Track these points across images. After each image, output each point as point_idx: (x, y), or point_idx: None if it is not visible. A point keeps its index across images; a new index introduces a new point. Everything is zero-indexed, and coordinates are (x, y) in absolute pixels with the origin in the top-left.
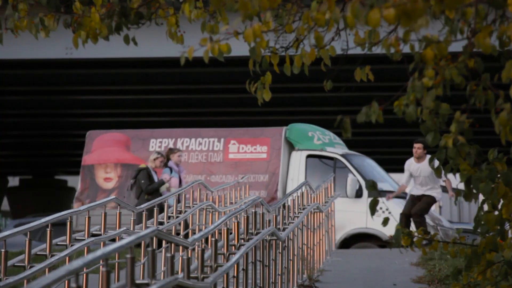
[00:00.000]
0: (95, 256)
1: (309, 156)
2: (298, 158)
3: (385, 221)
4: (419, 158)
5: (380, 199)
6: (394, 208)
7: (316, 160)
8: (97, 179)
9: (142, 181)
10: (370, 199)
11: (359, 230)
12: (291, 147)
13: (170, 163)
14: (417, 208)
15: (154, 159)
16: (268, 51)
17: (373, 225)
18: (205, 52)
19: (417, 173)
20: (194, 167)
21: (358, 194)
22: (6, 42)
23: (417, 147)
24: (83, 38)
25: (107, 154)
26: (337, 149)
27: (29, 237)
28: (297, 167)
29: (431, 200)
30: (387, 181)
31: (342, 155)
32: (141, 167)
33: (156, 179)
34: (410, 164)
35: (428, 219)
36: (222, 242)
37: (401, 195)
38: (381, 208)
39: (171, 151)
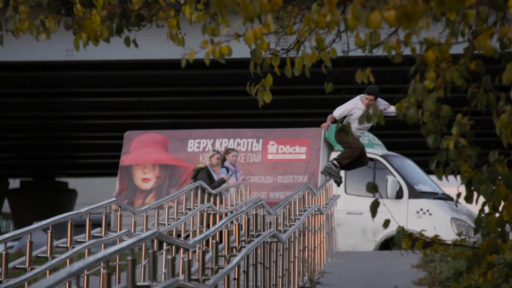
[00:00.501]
0: (96, 258)
1: None
2: None
3: (386, 223)
4: None
5: (420, 201)
6: (435, 210)
7: None
8: (135, 180)
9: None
10: (411, 200)
11: None
12: (330, 147)
13: (226, 163)
14: None
15: (210, 157)
16: (269, 53)
17: (414, 226)
18: (206, 54)
19: None
20: None
21: (399, 195)
22: (7, 44)
23: None
24: (84, 40)
25: (145, 155)
26: (376, 150)
27: (30, 239)
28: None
29: None
30: (427, 182)
31: (382, 156)
32: (199, 167)
33: (215, 178)
34: None
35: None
36: (223, 244)
37: (444, 196)
38: (421, 210)
39: (227, 151)
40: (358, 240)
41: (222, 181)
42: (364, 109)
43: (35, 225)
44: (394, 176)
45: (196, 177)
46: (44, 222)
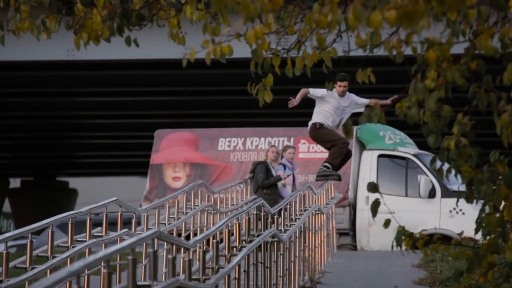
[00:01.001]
0: (96, 257)
1: (380, 155)
2: (370, 158)
3: (386, 223)
4: None
5: (453, 200)
6: (468, 209)
7: (388, 159)
8: (165, 178)
9: (260, 175)
10: (444, 199)
11: (432, 230)
12: (362, 146)
13: (283, 160)
14: None
15: (267, 151)
16: (270, 53)
17: (446, 225)
18: (207, 54)
19: None
20: None
21: (431, 194)
22: (8, 44)
23: None
24: (85, 39)
25: (175, 153)
26: (408, 148)
27: (30, 238)
28: (368, 167)
29: None
30: (459, 181)
31: (414, 155)
32: (259, 160)
33: (274, 174)
34: None
35: None
36: (224, 243)
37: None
38: (454, 209)
39: (284, 148)
40: (390, 239)
41: (278, 178)
42: (338, 97)
43: (35, 224)
44: (427, 175)
45: (254, 170)
46: (44, 221)
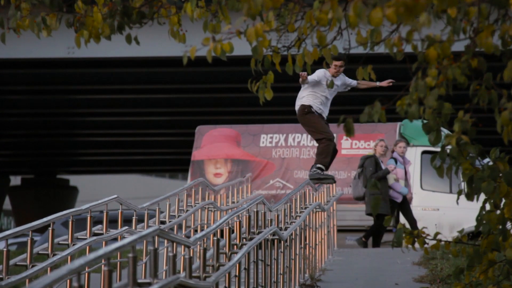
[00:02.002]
0: (97, 255)
1: (424, 152)
2: (413, 154)
3: (387, 221)
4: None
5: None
6: None
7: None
8: (207, 175)
9: (370, 168)
10: None
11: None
12: (406, 143)
13: (395, 154)
14: None
15: (375, 145)
16: (270, 50)
17: None
18: (208, 52)
19: None
20: (306, 163)
21: None
22: (9, 42)
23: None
24: (85, 37)
25: (217, 150)
26: None
27: (31, 236)
28: (412, 163)
29: None
30: None
31: None
32: (368, 154)
33: (383, 167)
34: None
35: None
36: (224, 241)
37: None
38: None
39: (395, 142)
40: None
41: (387, 171)
42: (330, 77)
43: (36, 222)
44: None
45: (363, 165)
46: (45, 219)
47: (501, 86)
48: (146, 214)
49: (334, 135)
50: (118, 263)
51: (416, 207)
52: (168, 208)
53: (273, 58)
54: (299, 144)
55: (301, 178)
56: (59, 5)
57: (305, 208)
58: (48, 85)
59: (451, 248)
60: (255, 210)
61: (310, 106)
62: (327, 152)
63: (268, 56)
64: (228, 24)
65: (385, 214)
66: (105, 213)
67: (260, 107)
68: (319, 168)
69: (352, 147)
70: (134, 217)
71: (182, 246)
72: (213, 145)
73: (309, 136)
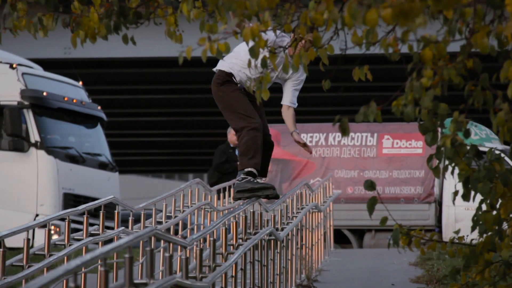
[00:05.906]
0: (93, 255)
1: None
2: None
3: (383, 221)
4: None
5: None
6: None
7: None
8: None
9: None
10: None
11: None
12: None
13: None
14: None
15: None
16: (267, 50)
17: None
18: (203, 52)
19: None
20: (347, 162)
21: None
22: (5, 42)
23: None
24: (82, 37)
25: None
26: (494, 144)
27: (27, 236)
28: None
29: None
30: None
31: (502, 151)
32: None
33: None
34: None
35: None
36: (221, 241)
37: None
38: None
39: None
40: (475, 235)
41: None
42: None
43: (33, 222)
44: None
45: None
46: (42, 219)
47: (497, 86)
48: (142, 214)
49: (376, 134)
50: (115, 263)
51: (459, 207)
52: (165, 208)
53: (270, 59)
54: (340, 143)
55: (342, 178)
56: (55, 5)
57: (302, 208)
58: None
59: (448, 249)
60: (252, 210)
61: (230, 74)
62: (251, 148)
63: (265, 56)
64: (225, 24)
65: None
66: (101, 213)
67: None
68: (246, 174)
69: (394, 146)
70: (130, 218)
71: (179, 247)
72: None
73: (350, 135)
